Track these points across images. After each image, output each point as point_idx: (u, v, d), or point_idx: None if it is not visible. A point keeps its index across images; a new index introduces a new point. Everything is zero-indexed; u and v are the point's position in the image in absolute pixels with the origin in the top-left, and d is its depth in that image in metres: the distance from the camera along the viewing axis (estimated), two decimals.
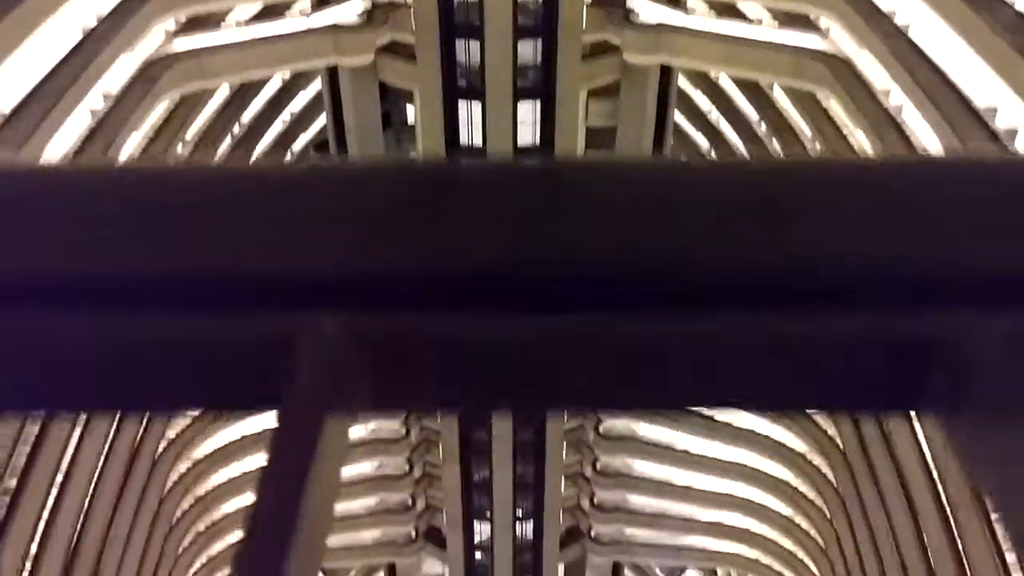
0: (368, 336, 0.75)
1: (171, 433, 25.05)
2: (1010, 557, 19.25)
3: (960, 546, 20.06)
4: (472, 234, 0.77)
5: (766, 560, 29.43)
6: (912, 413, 0.86)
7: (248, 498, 28.25)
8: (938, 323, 0.74)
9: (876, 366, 0.76)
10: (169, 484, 25.02)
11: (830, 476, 25.20)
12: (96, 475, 22.33)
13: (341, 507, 30.01)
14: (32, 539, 20.61)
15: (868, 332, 0.76)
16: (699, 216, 0.78)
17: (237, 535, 29.29)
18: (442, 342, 0.77)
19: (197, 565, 27.41)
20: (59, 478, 21.52)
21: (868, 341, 0.76)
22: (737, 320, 0.74)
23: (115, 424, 23.12)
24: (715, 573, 35.97)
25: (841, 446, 24.51)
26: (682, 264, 0.77)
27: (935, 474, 21.19)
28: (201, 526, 27.14)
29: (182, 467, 25.65)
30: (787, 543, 28.27)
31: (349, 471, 29.11)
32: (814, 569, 27.18)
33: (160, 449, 24.66)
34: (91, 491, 22.10)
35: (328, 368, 0.73)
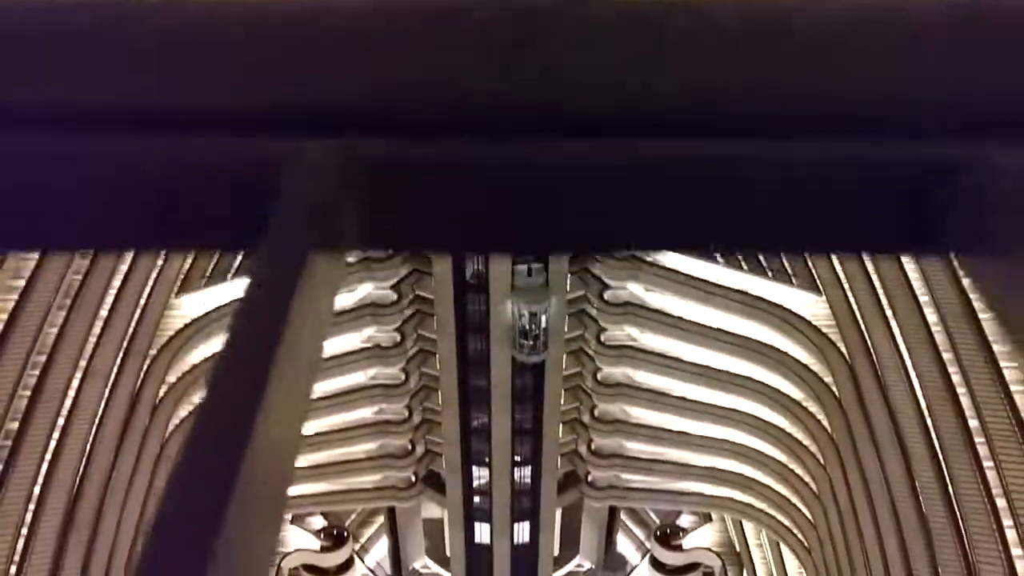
0: (358, 165, 0.69)
1: (171, 378, 25.20)
2: (1000, 502, 19.53)
3: (951, 491, 20.32)
4: (468, 59, 0.72)
5: (760, 505, 29.84)
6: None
7: None
8: (960, 156, 0.70)
9: (897, 201, 0.72)
10: (170, 428, 25.24)
11: (825, 423, 25.40)
12: (97, 419, 22.52)
13: (341, 452, 30.35)
14: (35, 482, 20.89)
15: (890, 165, 0.72)
16: (708, 46, 0.74)
17: None
18: (437, 172, 0.72)
19: None
20: (60, 422, 21.72)
21: (890, 175, 0.72)
22: (750, 151, 0.70)
23: (116, 367, 23.26)
24: (709, 517, 36.52)
25: (836, 393, 24.66)
26: (693, 94, 0.73)
27: (929, 420, 21.37)
28: None
29: (183, 412, 25.83)
30: (781, 488, 28.63)
31: (349, 417, 29.37)
32: (807, 514, 27.57)
33: (161, 394, 24.83)
34: (92, 435, 22.32)
35: (314, 199, 0.67)
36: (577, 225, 0.75)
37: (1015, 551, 18.94)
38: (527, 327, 26.45)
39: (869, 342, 23.48)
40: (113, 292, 24.00)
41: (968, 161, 0.71)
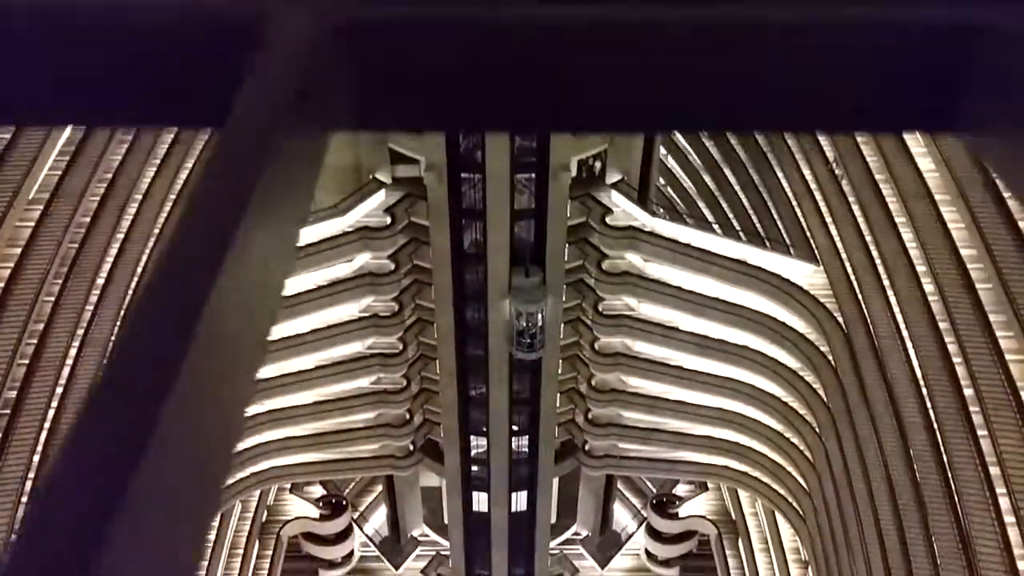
0: (350, 28, 0.60)
1: None
2: (994, 471, 19.66)
3: (945, 460, 20.46)
4: None
5: (755, 473, 30.05)
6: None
7: (251, 410, 28.68)
8: (979, 21, 0.66)
9: (909, 74, 0.68)
10: None
11: (821, 392, 25.51)
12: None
13: (339, 421, 30.49)
14: (34, 451, 20.98)
15: (900, 32, 0.67)
16: None
17: (238, 447, 30.02)
18: (438, 37, 0.64)
19: None
20: (58, 390, 21.78)
21: (900, 46, 0.67)
22: (760, 19, 0.66)
23: (114, 336, 23.25)
24: (705, 486, 36.82)
25: (833, 362, 24.74)
26: None
27: (924, 390, 21.46)
28: None
29: None
30: (776, 457, 28.82)
31: (347, 386, 29.45)
32: (802, 482, 27.79)
33: None
34: None
35: (289, 72, 0.58)
36: (582, 101, 0.70)
37: (1008, 519, 19.12)
38: (525, 326, 26.56)
39: (866, 311, 23.50)
40: (110, 261, 23.95)
41: (985, 28, 0.66)
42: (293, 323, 27.17)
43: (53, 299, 22.71)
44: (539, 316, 26.45)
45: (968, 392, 20.55)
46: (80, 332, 22.61)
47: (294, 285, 26.57)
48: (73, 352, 22.32)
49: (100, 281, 23.43)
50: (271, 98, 0.58)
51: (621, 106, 0.72)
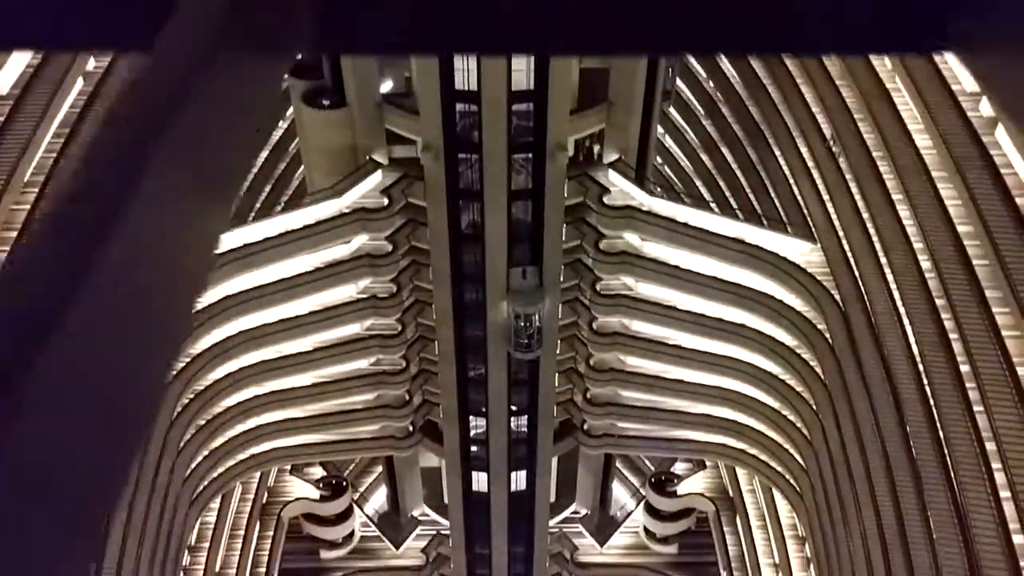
0: None
1: None
2: (990, 446, 19.78)
3: (941, 435, 20.57)
4: None
5: (753, 451, 30.21)
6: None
7: (249, 392, 28.77)
8: None
9: None
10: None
11: (818, 369, 25.60)
12: None
13: (338, 403, 30.57)
14: None
15: None
16: None
17: (239, 428, 29.62)
18: None
19: (199, 458, 28.08)
20: None
21: None
22: None
23: None
24: (703, 464, 37.02)
25: (830, 340, 24.82)
26: None
27: (920, 366, 21.54)
28: (201, 420, 27.65)
29: (178, 363, 25.92)
30: (774, 435, 28.97)
31: (346, 367, 29.51)
32: (799, 459, 27.95)
33: None
34: None
35: None
36: (552, 21, 0.69)
37: (1003, 494, 19.23)
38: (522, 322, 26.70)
39: (863, 289, 23.54)
40: None
41: None
42: (291, 305, 27.19)
43: None
44: (536, 317, 26.65)
45: (965, 368, 20.62)
46: None
47: (291, 267, 26.57)
48: None
49: None
50: (205, 10, 0.53)
51: (594, 27, 0.70)
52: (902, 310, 22.19)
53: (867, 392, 22.83)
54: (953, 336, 21.09)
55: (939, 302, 21.46)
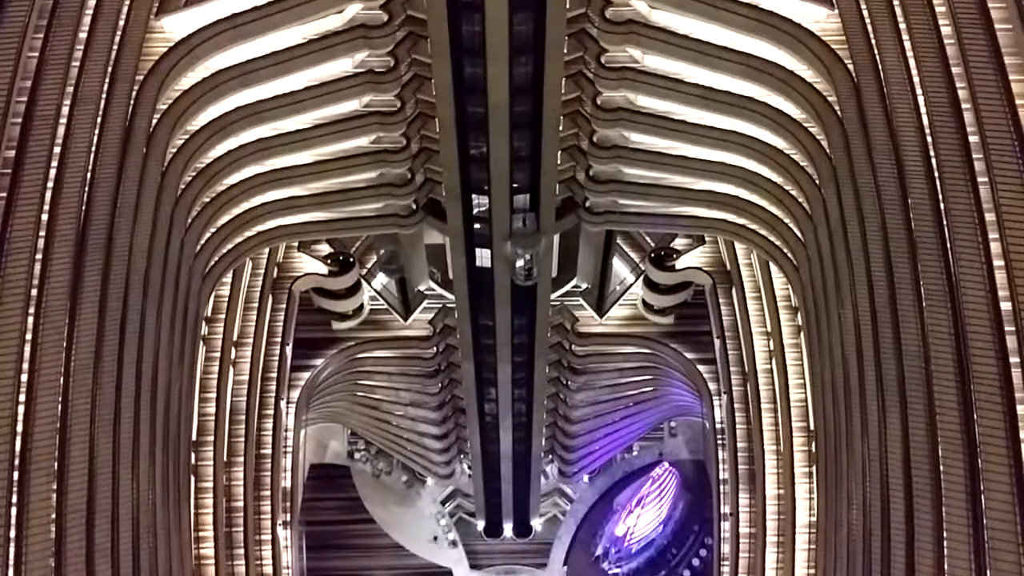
0: None
1: (162, 105, 24.76)
2: (989, 216, 19.91)
3: (942, 205, 20.70)
4: None
5: (753, 226, 30.58)
6: None
7: (251, 171, 28.72)
8: None
9: None
10: (168, 157, 25.22)
11: (824, 143, 25.33)
12: (93, 147, 22.45)
13: (341, 181, 30.59)
14: (41, 209, 21.25)
15: None
16: None
17: (243, 207, 29.90)
18: None
19: (207, 235, 28.54)
20: (56, 149, 21.68)
21: None
22: None
23: (104, 93, 22.81)
24: (703, 240, 37.65)
25: (839, 112, 24.35)
26: None
27: (929, 137, 21.30)
28: (206, 198, 27.83)
29: (178, 140, 25.68)
30: (775, 210, 29.19)
31: (346, 145, 29.26)
32: (798, 233, 28.35)
33: (154, 122, 24.53)
34: (91, 163, 22.36)
35: None
36: None
37: (997, 262, 19.65)
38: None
39: (878, 57, 22.76)
40: (90, 12, 22.95)
41: None
42: (286, 80, 26.51)
43: (37, 55, 22.03)
44: (536, 252, 28.82)
45: (973, 139, 20.39)
46: (70, 89, 22.13)
47: (283, 40, 25.61)
48: (66, 111, 21.99)
49: (83, 35, 22.59)
50: None
51: None
52: (916, 80, 21.58)
53: (872, 165, 22.71)
54: (965, 106, 20.68)
55: (955, 70, 20.83)
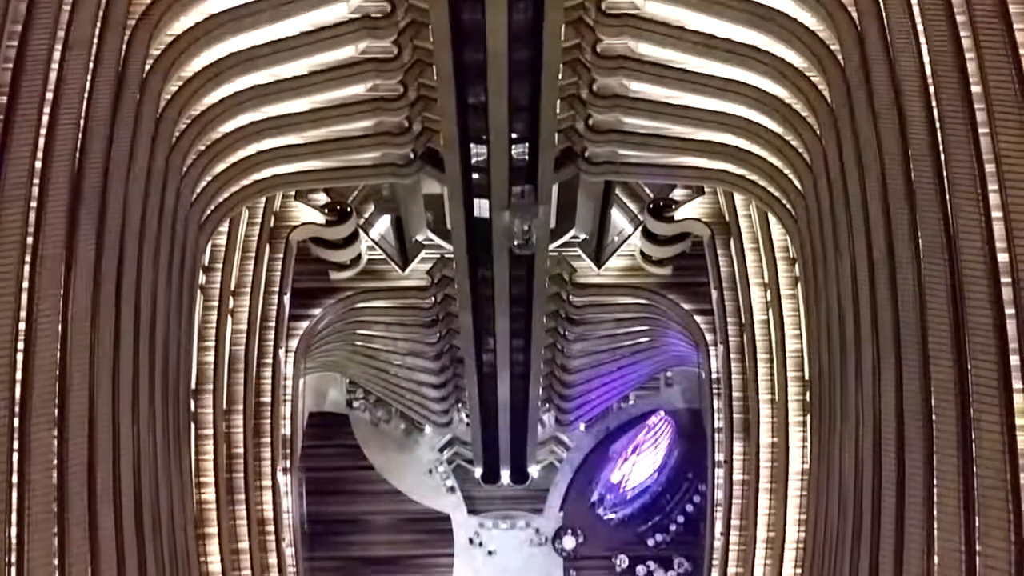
0: None
1: (155, 51, 24.42)
2: (989, 167, 19.82)
3: (942, 158, 20.58)
4: None
5: (753, 176, 30.46)
6: None
7: (246, 118, 28.45)
8: None
9: None
10: (162, 104, 24.96)
11: (826, 93, 25.10)
12: (86, 93, 22.19)
13: (337, 129, 30.33)
14: (35, 157, 21.07)
15: None
16: None
17: (239, 155, 29.76)
18: None
19: (203, 183, 28.41)
20: (48, 96, 21.43)
21: None
22: None
23: (96, 38, 22.47)
24: (702, 191, 37.52)
25: (841, 61, 24.08)
26: None
27: (931, 87, 21.09)
28: (201, 146, 27.62)
29: (172, 87, 25.39)
30: (775, 160, 29.04)
31: (342, 93, 28.96)
32: (798, 184, 28.25)
33: (147, 68, 24.22)
34: (84, 110, 22.12)
35: None
36: None
37: (995, 214, 19.58)
38: None
39: (882, 4, 22.43)
40: None
41: None
42: (280, 26, 26.11)
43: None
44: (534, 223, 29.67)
45: (976, 89, 20.18)
46: (61, 33, 21.78)
47: None
48: (57, 56, 21.66)
49: None
50: None
51: None
52: (920, 27, 21.28)
53: (873, 114, 22.51)
54: (969, 55, 20.42)
55: (960, 18, 20.55)
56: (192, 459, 29.79)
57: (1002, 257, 19.16)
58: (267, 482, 33.90)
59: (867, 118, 22.80)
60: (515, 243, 32.71)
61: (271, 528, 33.17)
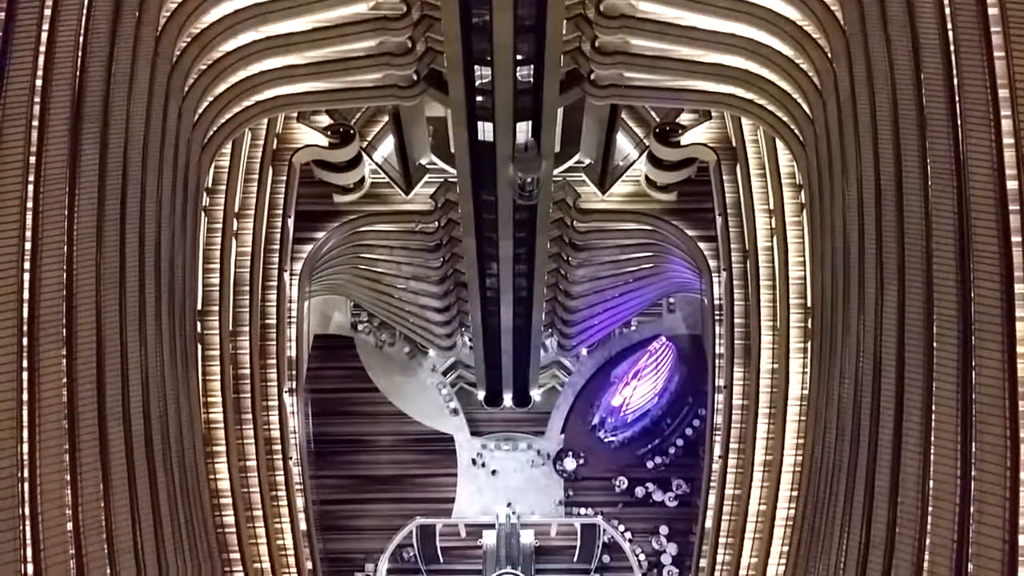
0: None
1: None
2: (1003, 92, 19.48)
3: (956, 81, 20.22)
4: None
5: (761, 101, 29.99)
6: None
7: (247, 38, 27.91)
8: None
9: None
10: (162, 21, 24.46)
11: (838, 14, 24.50)
12: (84, 10, 21.74)
13: (340, 50, 29.77)
14: (35, 76, 20.76)
15: None
16: None
17: (240, 75, 29.27)
18: None
19: (205, 103, 28.05)
20: (47, 12, 21.01)
21: None
22: None
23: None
24: (709, 115, 36.99)
25: None
26: None
27: (947, 10, 20.58)
28: (202, 65, 27.17)
29: (172, 4, 24.84)
30: (784, 84, 28.55)
31: (343, 12, 28.33)
32: (806, 108, 27.83)
33: None
34: (83, 26, 21.70)
35: None
36: None
37: (1007, 140, 19.34)
38: None
39: None
40: None
41: None
42: None
43: None
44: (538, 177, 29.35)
45: (993, 12, 19.70)
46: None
47: None
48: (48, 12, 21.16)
49: None
50: None
51: None
52: None
53: (887, 39, 22.03)
54: None
55: None
56: (200, 379, 30.22)
57: (1011, 184, 19.02)
58: (274, 402, 34.44)
59: (880, 41, 22.32)
60: (519, 195, 32.49)
61: (278, 447, 33.85)
